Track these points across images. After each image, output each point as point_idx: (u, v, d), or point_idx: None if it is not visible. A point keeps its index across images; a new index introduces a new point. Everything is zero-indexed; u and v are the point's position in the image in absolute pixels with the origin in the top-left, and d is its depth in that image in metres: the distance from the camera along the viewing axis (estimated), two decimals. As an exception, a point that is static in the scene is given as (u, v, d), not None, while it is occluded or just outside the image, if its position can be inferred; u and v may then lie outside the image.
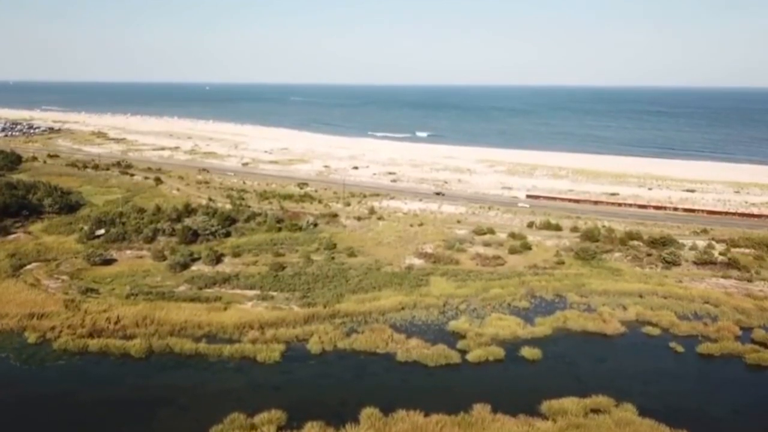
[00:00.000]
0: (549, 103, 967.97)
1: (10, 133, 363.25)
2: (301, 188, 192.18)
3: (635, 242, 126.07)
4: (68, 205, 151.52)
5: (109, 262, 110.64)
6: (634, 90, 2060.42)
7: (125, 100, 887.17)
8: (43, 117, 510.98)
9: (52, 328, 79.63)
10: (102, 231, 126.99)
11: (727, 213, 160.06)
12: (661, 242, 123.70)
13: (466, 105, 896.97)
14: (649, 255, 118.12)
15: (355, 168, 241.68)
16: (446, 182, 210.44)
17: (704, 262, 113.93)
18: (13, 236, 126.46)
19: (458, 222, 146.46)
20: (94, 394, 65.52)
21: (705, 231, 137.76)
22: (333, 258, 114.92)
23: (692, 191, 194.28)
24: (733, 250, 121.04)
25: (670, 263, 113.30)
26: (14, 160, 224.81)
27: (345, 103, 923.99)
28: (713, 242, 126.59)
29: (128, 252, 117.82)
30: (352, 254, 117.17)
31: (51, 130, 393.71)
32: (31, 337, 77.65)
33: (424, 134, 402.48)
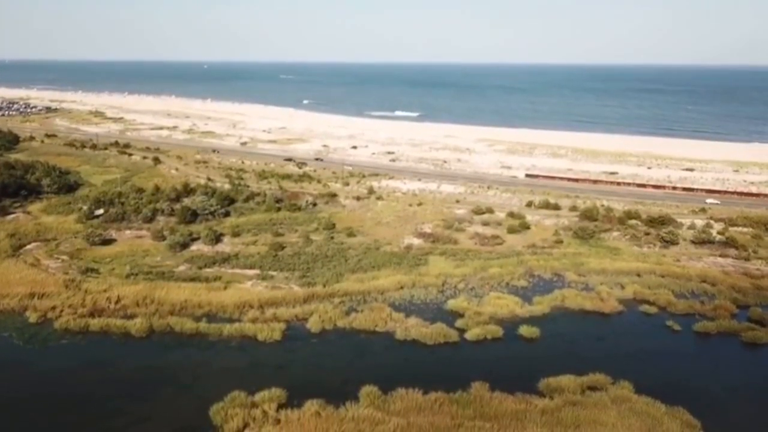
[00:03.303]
0: (546, 82, 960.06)
1: (6, 112, 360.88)
2: (300, 168, 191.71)
3: (634, 221, 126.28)
4: (67, 185, 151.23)
5: (108, 242, 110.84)
6: (631, 68, 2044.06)
7: (123, 79, 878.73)
8: (39, 96, 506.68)
9: (53, 308, 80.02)
10: (101, 211, 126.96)
11: (725, 192, 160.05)
12: (659, 221, 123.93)
13: (463, 83, 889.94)
14: (647, 234, 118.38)
15: (354, 147, 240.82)
16: (446, 161, 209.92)
17: (702, 241, 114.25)
18: (12, 216, 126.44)
19: (457, 202, 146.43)
20: (96, 373, 66.13)
21: (703, 210, 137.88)
22: (332, 238, 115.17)
23: (691, 170, 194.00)
24: (731, 229, 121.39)
25: (668, 242, 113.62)
26: (12, 140, 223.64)
27: (341, 82, 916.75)
28: (711, 221, 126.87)
29: (127, 232, 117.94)
30: (351, 234, 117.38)
31: (48, 109, 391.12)
32: (33, 317, 78.06)
33: (416, 114, 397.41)
